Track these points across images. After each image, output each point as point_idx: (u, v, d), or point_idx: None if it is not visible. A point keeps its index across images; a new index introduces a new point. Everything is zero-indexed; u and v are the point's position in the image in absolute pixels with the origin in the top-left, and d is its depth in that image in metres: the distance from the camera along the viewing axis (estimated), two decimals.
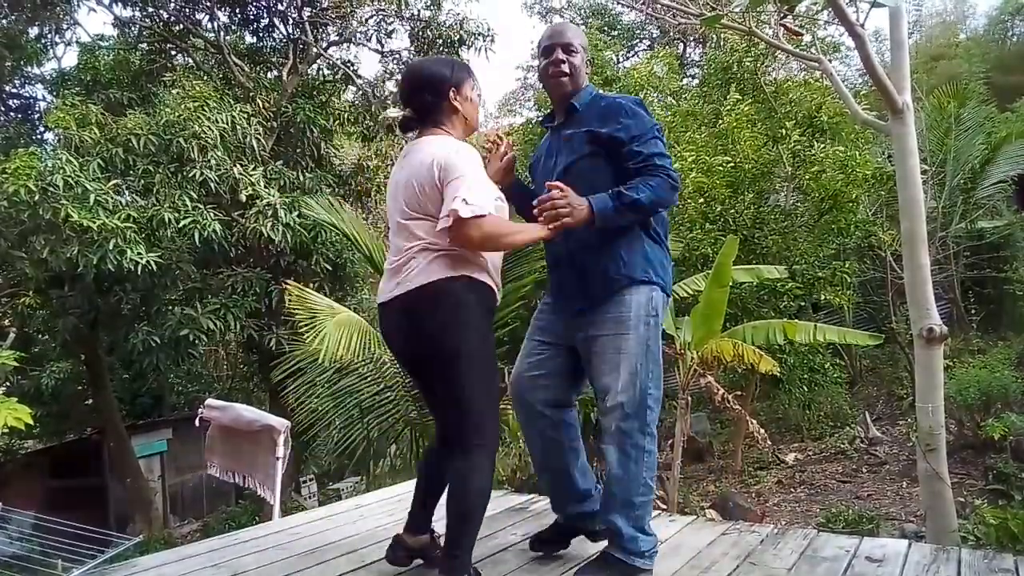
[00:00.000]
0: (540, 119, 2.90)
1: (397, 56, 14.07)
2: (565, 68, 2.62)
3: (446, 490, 2.41)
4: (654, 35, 23.76)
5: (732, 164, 10.35)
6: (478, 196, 2.25)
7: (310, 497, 13.51)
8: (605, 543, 2.57)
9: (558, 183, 2.37)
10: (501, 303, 2.69)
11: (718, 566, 2.62)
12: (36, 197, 8.49)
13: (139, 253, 8.81)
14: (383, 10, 13.68)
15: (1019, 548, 5.10)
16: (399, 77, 13.95)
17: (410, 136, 2.58)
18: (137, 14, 13.09)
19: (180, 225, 9.28)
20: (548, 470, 2.82)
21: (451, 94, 2.46)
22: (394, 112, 2.77)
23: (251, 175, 9.98)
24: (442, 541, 2.45)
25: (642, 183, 2.40)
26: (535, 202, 2.38)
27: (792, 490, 9.54)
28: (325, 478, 14.63)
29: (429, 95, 2.46)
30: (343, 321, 6.05)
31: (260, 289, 10.88)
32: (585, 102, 2.65)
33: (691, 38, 21.94)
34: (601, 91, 2.79)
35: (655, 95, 14.25)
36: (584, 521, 2.79)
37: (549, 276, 2.80)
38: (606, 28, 22.45)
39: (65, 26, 13.76)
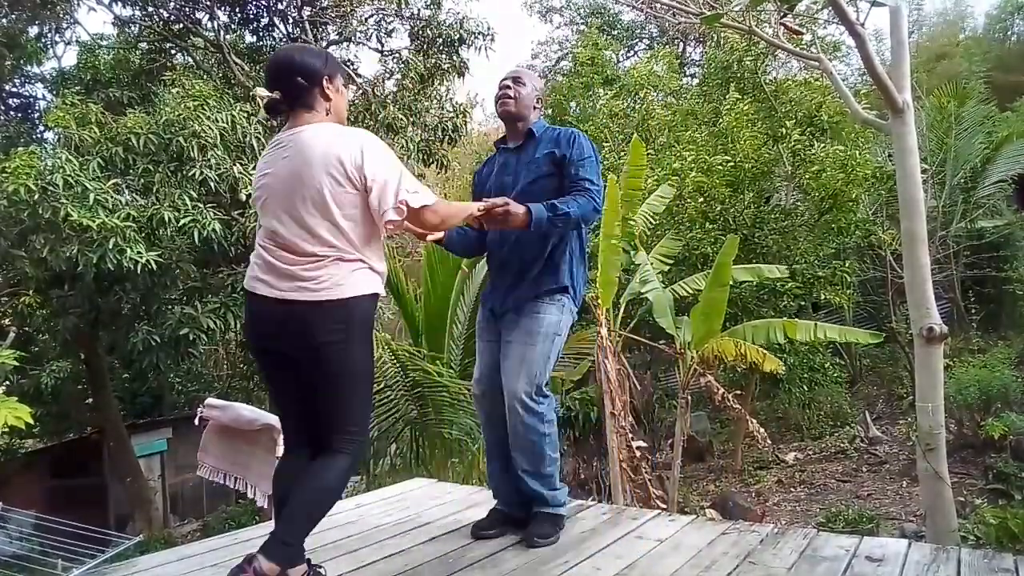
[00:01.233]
0: (497, 140, 3.30)
1: (397, 55, 14.05)
2: (510, 93, 3.08)
3: (300, 482, 2.38)
4: (654, 34, 23.74)
5: (732, 163, 10.35)
6: (417, 184, 2.42)
7: None
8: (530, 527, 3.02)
9: (504, 199, 2.74)
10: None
11: (718, 565, 2.62)
12: (36, 196, 8.47)
13: (139, 252, 8.79)
14: (383, 9, 13.66)
15: (1019, 548, 5.11)
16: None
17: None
18: (137, 13, 13.07)
19: (180, 224, 9.26)
20: (502, 458, 3.10)
21: (324, 82, 2.44)
22: (263, 92, 2.70)
23: (251, 174, 9.95)
24: (321, 571, 2.49)
25: (572, 199, 2.84)
26: (483, 202, 2.75)
27: (792, 489, 9.55)
28: None
29: (302, 79, 2.41)
30: None
31: None
32: (541, 130, 3.11)
33: (691, 37, 21.93)
34: (552, 125, 3.22)
35: (655, 94, 14.25)
36: (521, 509, 3.13)
37: (490, 278, 3.20)
38: (606, 27, 22.42)
39: (65, 25, 13.73)
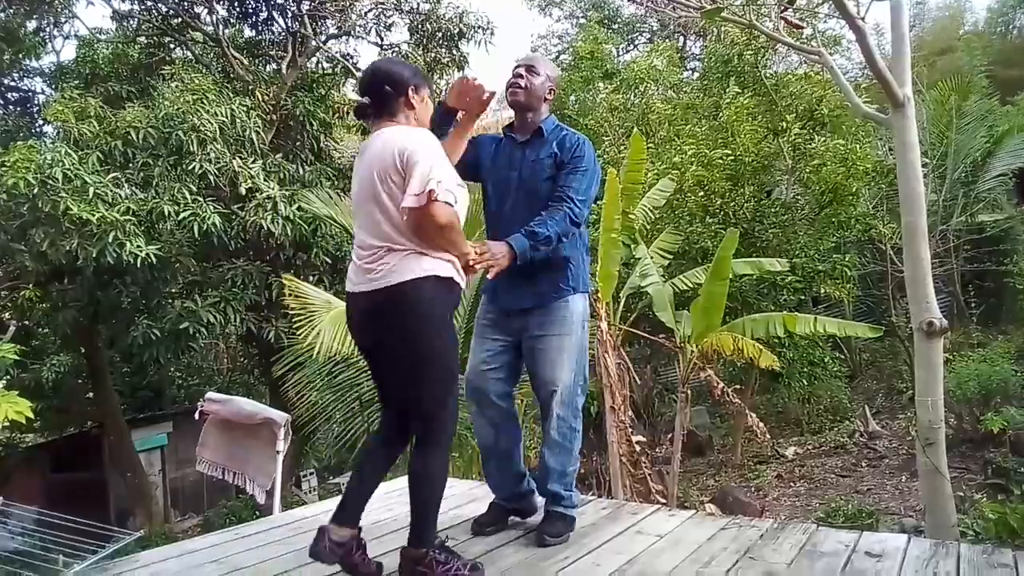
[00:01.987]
0: (505, 125, 3.25)
1: (396, 49, 14.01)
2: (521, 83, 3.01)
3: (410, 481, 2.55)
4: (654, 28, 23.67)
5: (732, 157, 10.32)
6: (449, 182, 2.38)
7: (310, 491, 13.52)
8: (533, 517, 3.07)
9: (485, 246, 2.68)
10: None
11: (718, 560, 2.63)
12: (35, 190, 8.47)
13: (139, 246, 8.79)
14: (382, 3, 13.63)
15: (1018, 542, 5.11)
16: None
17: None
18: (135, 7, 13.05)
19: (179, 218, 9.26)
20: (495, 456, 3.13)
21: (410, 91, 2.59)
22: (356, 96, 2.85)
23: (250, 168, 9.96)
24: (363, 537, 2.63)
25: (548, 218, 2.81)
26: (477, 249, 2.62)
27: (792, 484, 9.56)
28: (325, 472, 14.64)
29: (389, 87, 2.58)
30: (339, 316, 6.04)
31: (260, 282, 10.87)
32: (550, 129, 3.05)
33: (691, 31, 21.86)
34: (562, 125, 3.14)
35: (655, 88, 14.22)
36: (519, 501, 3.16)
37: (497, 279, 2.99)
38: (606, 21, 22.36)
39: (64, 19, 13.71)
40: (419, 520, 2.52)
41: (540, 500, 3.24)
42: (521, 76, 3.01)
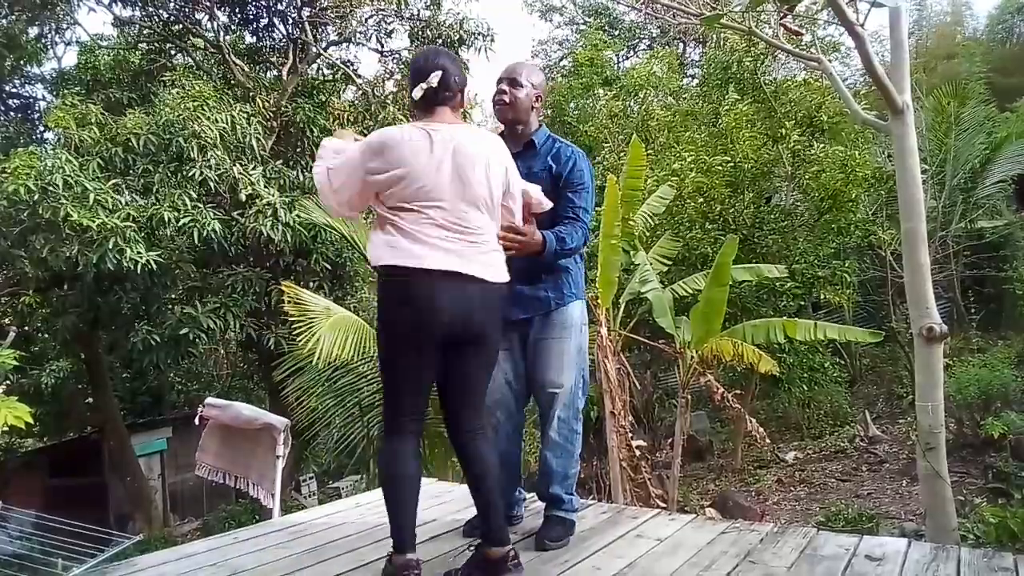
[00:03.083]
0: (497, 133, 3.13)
1: (397, 56, 14.05)
2: (505, 98, 2.98)
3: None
4: (654, 35, 23.73)
5: (732, 164, 10.34)
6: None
7: (310, 496, 13.51)
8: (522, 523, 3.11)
9: (529, 226, 2.72)
10: None
11: (718, 564, 2.63)
12: (36, 196, 8.49)
13: (139, 252, 8.80)
14: (383, 10, 13.65)
15: (1019, 546, 5.11)
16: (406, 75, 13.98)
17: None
18: (137, 14, 13.08)
19: (180, 224, 9.27)
20: (504, 465, 2.93)
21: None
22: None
23: (251, 174, 9.97)
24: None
25: (572, 231, 2.89)
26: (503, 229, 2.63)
27: (792, 489, 9.55)
28: (325, 477, 14.62)
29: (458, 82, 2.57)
30: (338, 322, 6.06)
31: (260, 288, 10.87)
32: (542, 141, 3.05)
33: (691, 38, 21.92)
34: (553, 135, 3.16)
35: (655, 95, 14.25)
36: (513, 508, 3.16)
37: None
38: (606, 27, 22.43)
39: (65, 26, 13.76)
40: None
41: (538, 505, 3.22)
42: (504, 92, 2.98)
